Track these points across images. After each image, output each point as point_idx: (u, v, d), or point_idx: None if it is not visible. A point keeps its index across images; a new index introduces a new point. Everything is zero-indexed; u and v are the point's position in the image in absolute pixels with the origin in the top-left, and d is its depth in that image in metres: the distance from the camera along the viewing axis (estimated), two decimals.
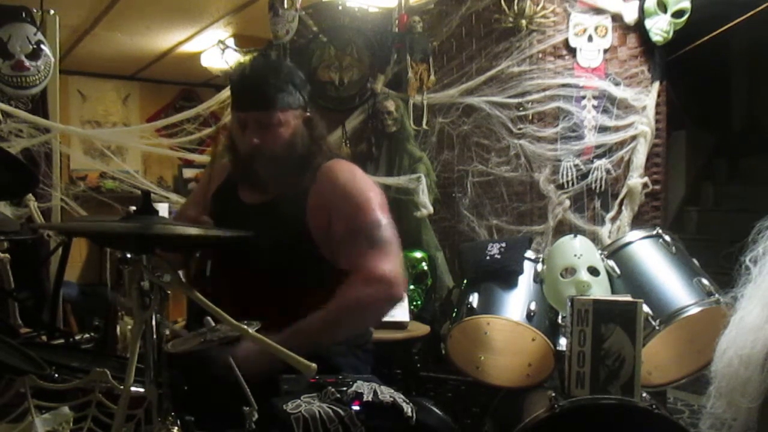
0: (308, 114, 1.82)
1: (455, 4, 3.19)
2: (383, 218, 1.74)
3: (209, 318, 1.28)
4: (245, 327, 1.24)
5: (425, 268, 3.07)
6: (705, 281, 2.09)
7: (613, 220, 3.04)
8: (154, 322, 1.18)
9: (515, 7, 3.05)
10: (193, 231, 1.30)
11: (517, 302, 2.20)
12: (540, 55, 3.07)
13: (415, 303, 3.00)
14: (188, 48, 5.18)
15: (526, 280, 2.26)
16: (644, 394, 1.96)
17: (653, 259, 2.21)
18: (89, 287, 4.20)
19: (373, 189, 1.80)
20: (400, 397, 1.39)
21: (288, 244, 1.72)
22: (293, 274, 1.72)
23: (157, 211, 1.27)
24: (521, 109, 3.07)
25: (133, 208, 1.38)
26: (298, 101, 1.78)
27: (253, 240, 1.42)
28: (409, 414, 1.37)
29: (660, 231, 2.28)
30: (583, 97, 3.05)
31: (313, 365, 1.27)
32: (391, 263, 1.70)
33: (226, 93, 3.40)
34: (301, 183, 1.79)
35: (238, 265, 1.75)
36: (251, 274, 1.72)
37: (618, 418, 1.86)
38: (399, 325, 2.76)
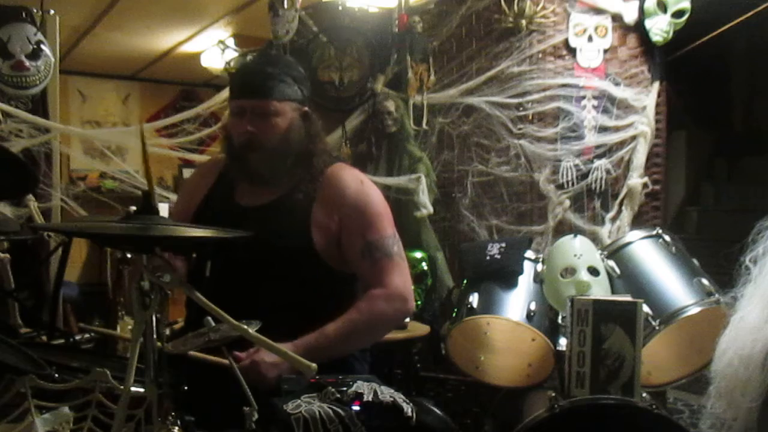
0: (305, 109, 1.79)
1: (455, 4, 3.19)
2: (394, 232, 1.79)
3: (209, 318, 1.28)
4: (245, 327, 1.24)
5: (425, 268, 3.07)
6: (705, 281, 2.09)
7: (613, 220, 3.04)
8: (154, 322, 1.18)
9: (515, 7, 3.05)
10: (193, 231, 1.30)
11: (517, 302, 2.20)
12: (540, 55, 3.07)
13: (415, 303, 3.00)
14: (188, 48, 5.18)
15: (526, 280, 2.26)
16: (644, 394, 1.95)
17: (653, 259, 2.21)
18: (89, 287, 4.20)
19: (382, 200, 1.83)
20: (400, 397, 1.39)
21: (288, 247, 1.71)
22: (292, 277, 1.72)
23: (157, 211, 1.27)
24: (521, 109, 3.07)
25: (133, 208, 1.38)
26: (296, 94, 1.76)
27: (252, 242, 1.42)
28: (409, 414, 1.37)
29: (660, 231, 2.28)
30: (583, 97, 3.05)
31: (314, 365, 1.27)
32: (407, 278, 1.79)
33: (226, 93, 3.39)
34: (304, 185, 1.77)
35: (236, 268, 1.74)
36: (250, 276, 1.71)
37: (618, 418, 1.86)
38: (399, 325, 2.75)
